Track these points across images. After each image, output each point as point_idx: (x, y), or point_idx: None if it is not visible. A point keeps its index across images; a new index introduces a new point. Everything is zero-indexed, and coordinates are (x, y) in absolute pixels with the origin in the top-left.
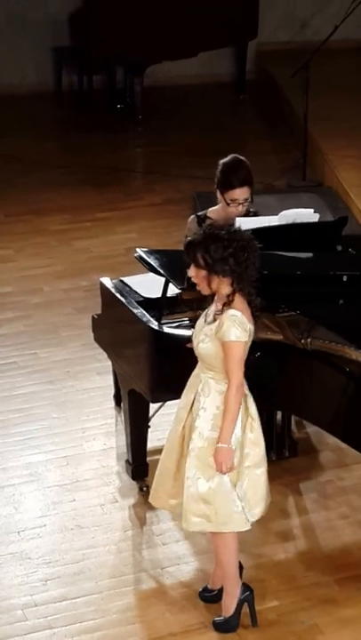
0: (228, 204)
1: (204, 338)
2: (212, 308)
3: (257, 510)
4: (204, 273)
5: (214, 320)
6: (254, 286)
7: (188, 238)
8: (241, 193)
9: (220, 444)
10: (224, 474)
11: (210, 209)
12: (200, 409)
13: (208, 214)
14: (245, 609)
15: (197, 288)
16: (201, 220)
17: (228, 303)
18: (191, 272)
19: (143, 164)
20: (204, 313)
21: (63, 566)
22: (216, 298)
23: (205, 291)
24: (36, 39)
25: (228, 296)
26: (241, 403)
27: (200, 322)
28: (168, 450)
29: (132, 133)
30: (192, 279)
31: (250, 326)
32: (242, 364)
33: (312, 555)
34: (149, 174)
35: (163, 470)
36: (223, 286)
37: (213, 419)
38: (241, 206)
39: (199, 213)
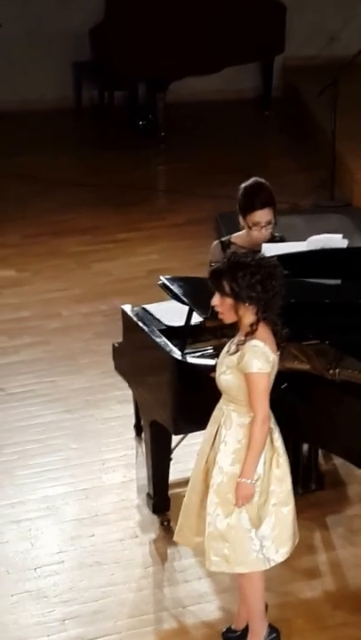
0: (250, 228)
1: (225, 370)
2: (235, 339)
3: (284, 550)
4: (230, 301)
5: (237, 351)
6: (280, 315)
7: (213, 267)
8: (263, 215)
9: (242, 479)
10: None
11: (234, 234)
12: (221, 442)
13: (232, 240)
14: None
15: (220, 317)
16: (225, 246)
17: (250, 333)
18: (216, 301)
19: (165, 183)
20: (229, 343)
21: (81, 605)
22: (240, 327)
23: (229, 320)
24: (56, 54)
25: (252, 325)
26: (266, 436)
27: (223, 352)
28: (192, 485)
29: (154, 151)
30: (216, 308)
31: (273, 357)
32: (267, 396)
33: (340, 593)
34: (172, 193)
35: (187, 507)
36: (248, 315)
37: (235, 453)
38: (264, 229)
39: (223, 239)
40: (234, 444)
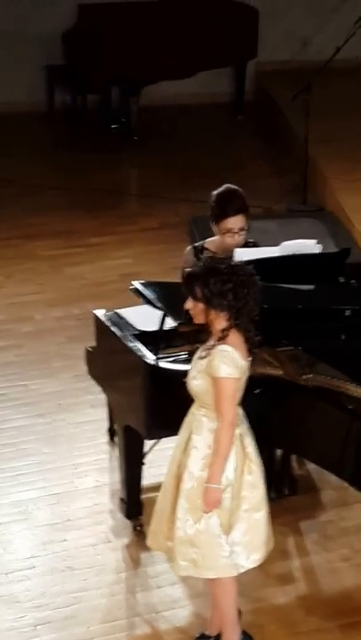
0: (223, 235)
1: (196, 374)
2: (207, 344)
3: (256, 557)
4: (201, 306)
5: (207, 355)
6: (254, 322)
7: (188, 270)
8: (236, 222)
9: (209, 484)
10: (208, 513)
11: (208, 240)
12: (192, 448)
13: (206, 245)
14: None
15: (195, 320)
16: (198, 252)
17: (221, 338)
18: (189, 304)
19: (139, 187)
20: (201, 348)
21: (54, 610)
22: (212, 335)
23: (201, 321)
24: (29, 57)
25: (223, 331)
26: (232, 442)
27: (195, 357)
28: (164, 490)
29: (128, 155)
30: (190, 311)
31: (243, 363)
32: (233, 402)
33: (313, 599)
34: (145, 197)
35: (159, 511)
36: (219, 321)
37: (205, 458)
38: (237, 236)
39: (196, 244)
40: (204, 449)
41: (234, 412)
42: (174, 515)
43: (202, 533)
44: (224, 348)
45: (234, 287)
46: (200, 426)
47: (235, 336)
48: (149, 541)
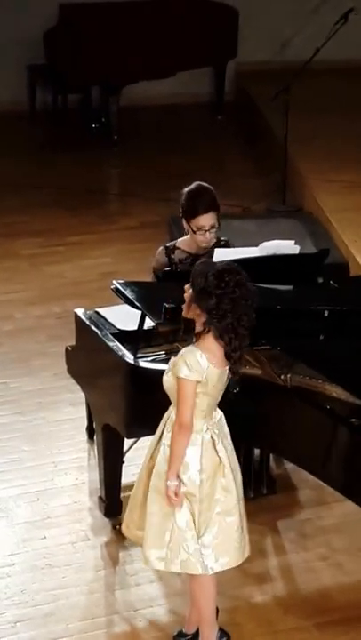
0: (194, 232)
1: (167, 371)
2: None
3: (224, 560)
4: (191, 295)
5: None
6: (240, 338)
7: (208, 260)
8: (206, 219)
9: (167, 481)
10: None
11: (179, 239)
12: (162, 444)
13: (177, 245)
14: None
15: (184, 311)
16: (170, 251)
17: (196, 339)
18: (186, 286)
19: (119, 186)
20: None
21: (33, 607)
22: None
23: (187, 315)
24: (10, 57)
25: (197, 334)
26: (186, 441)
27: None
28: (138, 481)
29: (108, 154)
30: (185, 297)
31: (210, 369)
32: (189, 404)
33: (290, 598)
34: (125, 196)
35: (132, 501)
36: (199, 320)
37: None
38: (208, 233)
39: (168, 244)
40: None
41: (190, 413)
42: (145, 506)
43: (170, 530)
44: (190, 349)
45: (221, 295)
46: (171, 423)
47: (210, 342)
48: (124, 529)
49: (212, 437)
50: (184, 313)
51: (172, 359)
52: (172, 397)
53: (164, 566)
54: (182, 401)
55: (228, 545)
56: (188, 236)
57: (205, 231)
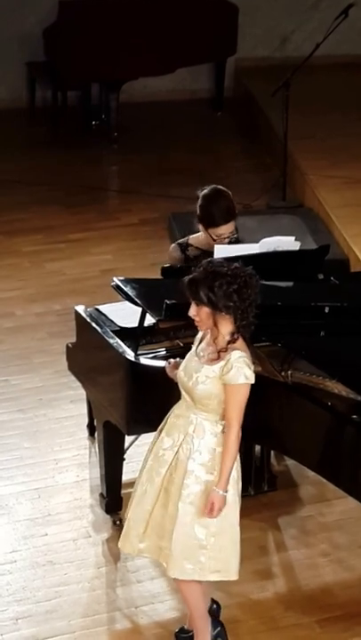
0: (213, 240)
1: (205, 379)
2: (203, 347)
3: None
4: (207, 310)
5: (217, 359)
6: (252, 325)
7: (191, 275)
8: (226, 229)
9: (218, 490)
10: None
11: (191, 236)
12: (194, 452)
13: (190, 242)
14: None
15: (197, 325)
16: (184, 248)
17: (232, 342)
18: (192, 311)
19: (119, 183)
20: (194, 350)
21: (35, 604)
22: (210, 335)
23: (205, 328)
24: (9, 54)
25: (233, 334)
26: (238, 448)
27: (192, 360)
28: (147, 492)
29: (108, 151)
30: (193, 317)
31: (253, 367)
32: (243, 408)
33: (292, 594)
34: (125, 193)
35: (137, 512)
36: (225, 324)
37: (210, 462)
38: (227, 239)
39: (180, 241)
40: (209, 452)
41: (242, 417)
42: (152, 516)
43: (215, 536)
44: (241, 355)
45: (238, 288)
46: (202, 430)
47: (241, 342)
48: (121, 543)
49: None
50: (204, 329)
51: (209, 369)
52: (205, 405)
53: (201, 576)
54: (239, 406)
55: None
56: (200, 234)
57: (225, 237)
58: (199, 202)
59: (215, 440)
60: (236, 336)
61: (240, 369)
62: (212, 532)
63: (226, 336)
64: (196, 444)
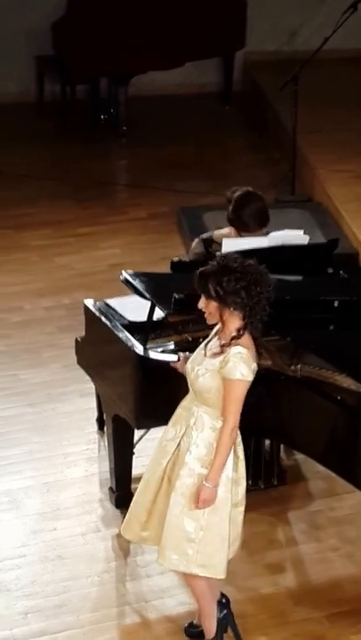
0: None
1: (204, 372)
2: (213, 341)
3: (230, 549)
4: (215, 305)
5: (220, 353)
6: (262, 322)
7: (201, 269)
8: (259, 232)
9: (207, 484)
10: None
11: (216, 232)
12: (192, 444)
13: (214, 238)
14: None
15: (207, 318)
16: (207, 244)
17: (237, 337)
18: (201, 303)
19: (127, 177)
20: (203, 344)
21: (44, 599)
22: (220, 330)
23: (214, 321)
24: (18, 48)
25: (239, 330)
26: (234, 443)
27: (199, 353)
28: (148, 481)
29: (116, 145)
30: (203, 309)
31: (254, 365)
32: (241, 404)
33: (302, 589)
34: (134, 187)
35: (139, 501)
36: (233, 319)
37: (207, 456)
38: None
39: (204, 236)
40: (206, 446)
41: (239, 415)
42: (155, 506)
43: (204, 530)
44: (240, 350)
45: (247, 285)
46: (201, 423)
47: (247, 338)
48: (123, 530)
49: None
50: (212, 321)
51: (209, 362)
52: (204, 397)
53: (187, 568)
54: (236, 402)
55: (234, 535)
56: (226, 230)
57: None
58: (232, 205)
59: (213, 435)
60: (241, 332)
61: (236, 364)
62: (202, 526)
63: (232, 332)
64: (194, 437)
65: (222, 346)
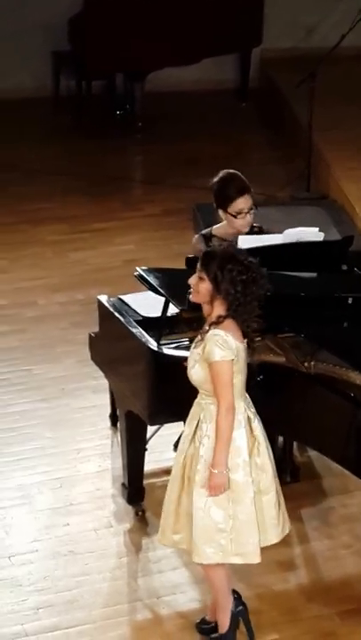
0: (235, 217)
1: (193, 364)
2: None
3: (262, 537)
4: (208, 287)
5: (201, 340)
6: (254, 320)
7: (210, 248)
8: (244, 202)
9: (213, 469)
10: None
11: (214, 227)
12: (204, 437)
13: (213, 232)
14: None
15: (191, 296)
16: (207, 239)
17: (215, 323)
18: (193, 280)
19: (142, 173)
20: (198, 337)
21: (56, 594)
22: (204, 311)
23: (198, 300)
24: (34, 43)
25: (219, 318)
26: (234, 426)
27: (192, 348)
28: (171, 483)
29: (132, 141)
30: (192, 285)
31: (237, 344)
32: (230, 384)
33: (313, 586)
34: (149, 183)
35: (166, 505)
36: (219, 308)
37: None
38: (248, 215)
39: (204, 232)
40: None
41: (232, 395)
42: (181, 506)
43: (233, 518)
44: (215, 332)
45: (245, 280)
46: (209, 414)
47: (229, 323)
48: (159, 537)
49: (248, 416)
50: (196, 300)
51: (193, 352)
52: (204, 389)
53: (224, 559)
54: (223, 384)
55: (267, 524)
56: (223, 223)
57: (245, 213)
58: (214, 188)
59: None
60: (220, 320)
61: (212, 346)
62: (230, 515)
63: (214, 318)
64: (205, 429)
65: (202, 333)
